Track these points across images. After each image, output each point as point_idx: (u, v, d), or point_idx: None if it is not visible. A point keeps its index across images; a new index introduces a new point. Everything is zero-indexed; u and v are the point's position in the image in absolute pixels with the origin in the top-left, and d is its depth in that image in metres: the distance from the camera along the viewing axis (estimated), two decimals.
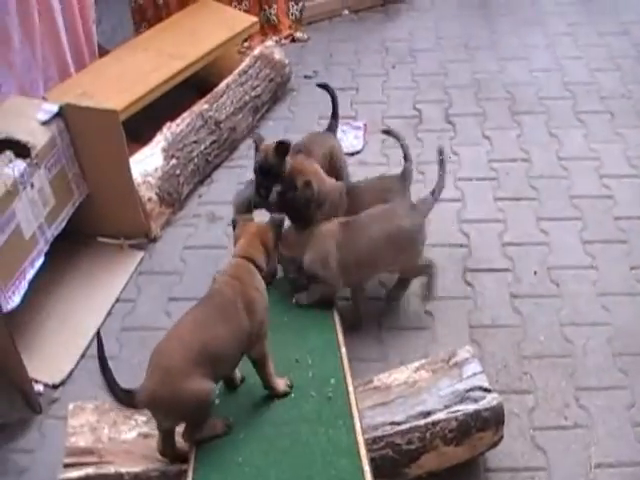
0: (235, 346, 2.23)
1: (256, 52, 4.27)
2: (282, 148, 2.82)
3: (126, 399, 2.16)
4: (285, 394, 2.43)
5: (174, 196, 3.53)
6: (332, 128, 3.35)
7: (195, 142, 3.68)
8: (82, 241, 3.42)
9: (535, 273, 3.18)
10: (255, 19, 4.42)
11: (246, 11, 4.73)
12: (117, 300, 3.20)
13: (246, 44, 4.69)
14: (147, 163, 3.47)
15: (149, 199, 3.39)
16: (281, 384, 2.43)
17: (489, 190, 3.62)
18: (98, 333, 2.46)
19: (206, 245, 3.43)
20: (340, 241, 2.75)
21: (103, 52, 4.23)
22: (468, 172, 3.74)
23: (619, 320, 2.97)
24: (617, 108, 4.15)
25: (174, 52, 4.01)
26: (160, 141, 3.60)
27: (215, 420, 2.30)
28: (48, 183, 3.05)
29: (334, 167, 3.16)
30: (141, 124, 3.68)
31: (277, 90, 4.29)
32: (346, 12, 5.15)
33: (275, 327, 2.81)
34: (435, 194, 2.95)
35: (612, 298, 3.06)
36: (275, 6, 4.85)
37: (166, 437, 2.28)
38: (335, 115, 3.35)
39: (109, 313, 3.15)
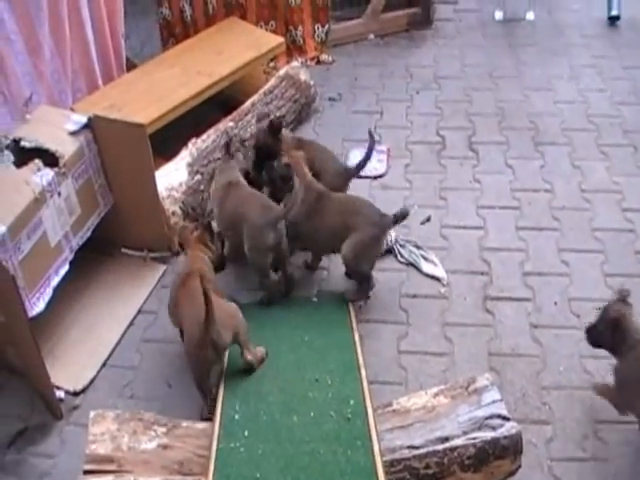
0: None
1: (282, 72, 4.35)
2: (274, 127, 2.98)
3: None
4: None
5: (197, 211, 3.60)
6: (353, 170, 3.47)
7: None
8: (106, 251, 3.50)
9: (556, 304, 3.22)
10: (281, 40, 4.51)
11: (273, 31, 4.83)
12: (139, 311, 3.27)
13: (272, 64, 4.79)
14: (172, 177, 3.55)
15: (173, 213, 3.46)
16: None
17: (511, 219, 3.67)
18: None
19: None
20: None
21: (131, 66, 4.33)
22: (491, 200, 3.80)
23: None
24: None
25: (201, 69, 4.10)
26: (185, 156, 3.67)
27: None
28: (75, 192, 3.13)
29: None
30: (167, 139, 3.75)
31: (302, 111, 4.38)
32: (372, 36, 5.24)
33: (295, 346, 2.91)
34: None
35: None
36: (301, 28, 4.95)
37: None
38: (364, 161, 3.45)
39: (131, 324, 3.22)
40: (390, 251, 3.49)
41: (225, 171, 3.34)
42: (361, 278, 3.22)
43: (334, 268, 3.41)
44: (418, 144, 4.21)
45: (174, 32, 4.64)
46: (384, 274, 3.37)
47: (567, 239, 3.55)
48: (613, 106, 4.52)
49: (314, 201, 3.15)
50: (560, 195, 3.82)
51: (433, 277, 3.37)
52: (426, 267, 3.40)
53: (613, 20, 5.42)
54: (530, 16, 5.53)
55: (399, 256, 3.47)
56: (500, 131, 4.31)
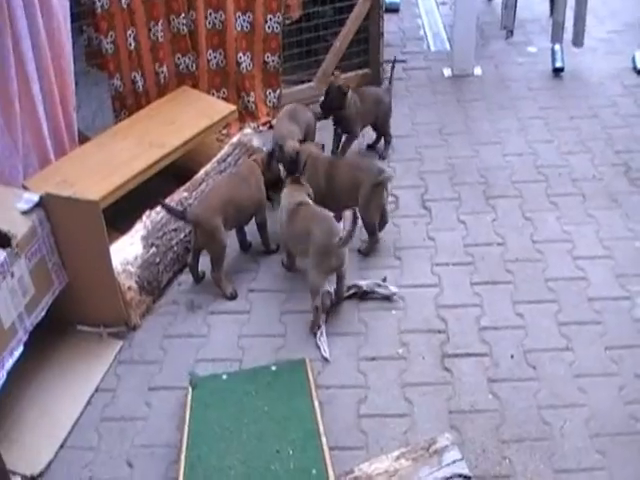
0: (247, 207, 3.82)
1: (234, 140, 4.48)
2: (342, 89, 4.49)
3: (180, 215, 3.71)
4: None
5: (154, 284, 3.69)
6: None
7: (175, 230, 3.86)
8: (61, 329, 3.53)
9: (512, 357, 3.34)
10: (233, 107, 4.66)
11: (224, 98, 5.00)
12: (96, 390, 3.30)
13: (224, 131, 4.94)
14: (127, 252, 3.63)
15: (129, 287, 3.54)
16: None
17: (466, 275, 3.81)
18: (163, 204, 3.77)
19: (186, 334, 3.57)
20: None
21: (83, 139, 4.40)
22: (445, 257, 3.94)
23: (595, 401, 3.12)
24: (589, 190, 4.40)
25: (154, 140, 4.20)
26: (140, 229, 3.76)
27: (230, 284, 3.77)
28: (28, 272, 3.17)
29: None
30: (121, 211, 3.85)
31: None
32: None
33: (257, 417, 2.99)
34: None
35: (588, 379, 3.21)
36: (253, 93, 5.13)
37: (195, 256, 3.77)
38: None
39: (88, 403, 3.24)
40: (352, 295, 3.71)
41: (294, 193, 3.72)
42: (368, 228, 3.94)
43: (291, 334, 3.52)
44: None
45: (126, 103, 4.73)
46: (342, 339, 3.48)
47: (521, 291, 3.70)
48: (561, 156, 4.75)
49: (329, 166, 3.96)
50: (512, 248, 3.98)
51: (385, 291, 3.68)
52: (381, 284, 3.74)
53: (557, 72, 5.72)
54: (478, 71, 5.81)
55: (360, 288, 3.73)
56: (452, 187, 4.49)
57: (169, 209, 3.73)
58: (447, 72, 5.82)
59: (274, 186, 3.98)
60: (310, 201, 3.71)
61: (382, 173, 3.86)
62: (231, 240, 3.91)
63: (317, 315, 3.49)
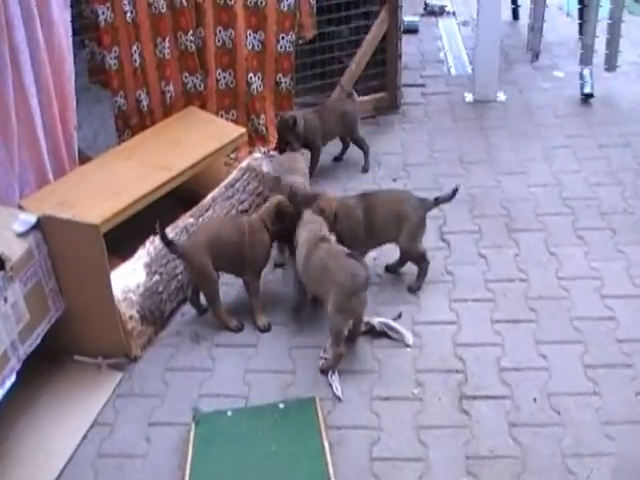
0: (234, 253, 3.77)
1: (244, 164, 4.55)
2: (288, 124, 4.76)
3: (169, 247, 3.71)
4: (262, 329, 3.82)
5: (156, 314, 3.77)
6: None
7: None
8: (57, 359, 3.59)
9: (535, 400, 3.38)
10: (243, 130, 4.76)
11: (234, 121, 5.11)
12: (93, 424, 3.36)
13: (233, 155, 5.02)
14: (129, 279, 3.71)
15: (130, 317, 3.61)
16: (262, 320, 3.84)
17: (486, 312, 3.87)
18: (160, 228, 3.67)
19: (189, 367, 3.64)
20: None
21: (84, 158, 4.47)
22: (464, 293, 4.00)
23: (624, 450, 3.13)
24: (618, 224, 4.45)
25: (159, 162, 4.28)
26: (143, 256, 3.85)
27: (233, 318, 3.84)
28: (23, 297, 3.23)
29: None
30: (123, 236, 3.91)
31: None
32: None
33: (263, 457, 3.04)
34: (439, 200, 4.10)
35: (616, 426, 3.23)
36: (264, 116, 5.24)
37: (194, 290, 3.88)
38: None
39: (84, 437, 3.30)
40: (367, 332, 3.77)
41: (315, 226, 3.75)
42: (418, 258, 4.05)
43: (300, 370, 3.58)
44: None
45: (130, 123, 4.81)
46: (354, 377, 3.54)
47: (544, 330, 3.75)
48: (589, 187, 4.80)
49: (364, 204, 4.03)
50: (536, 284, 4.04)
51: (397, 336, 3.72)
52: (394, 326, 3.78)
53: (587, 98, 5.80)
54: (501, 97, 5.92)
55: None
56: (472, 219, 4.58)
57: (162, 235, 3.70)
58: (468, 97, 5.95)
59: (285, 237, 3.92)
60: (332, 238, 3.75)
61: (425, 201, 4.03)
62: None
63: (337, 361, 3.53)
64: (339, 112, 5.04)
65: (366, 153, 5.14)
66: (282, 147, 4.82)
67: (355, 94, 5.13)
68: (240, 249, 3.79)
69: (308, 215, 3.82)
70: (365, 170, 5.12)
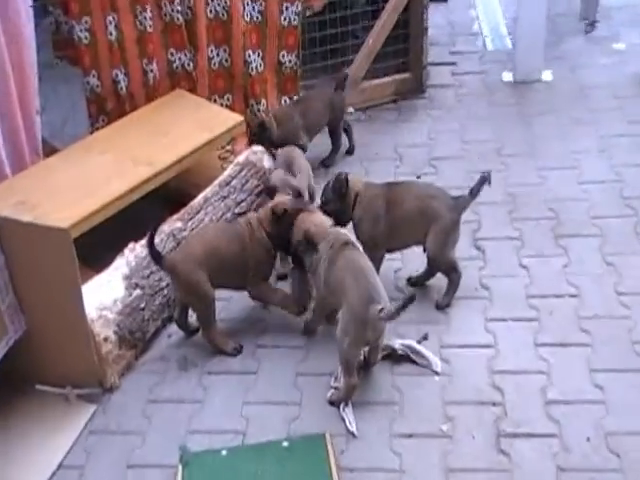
0: (235, 265, 3.83)
1: (241, 158, 4.57)
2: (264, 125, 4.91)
3: (158, 260, 3.72)
4: (300, 312, 3.97)
5: (137, 335, 3.78)
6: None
7: None
8: (17, 389, 3.60)
9: (588, 440, 3.35)
10: (240, 118, 4.74)
11: (229, 107, 5.13)
12: (59, 466, 3.36)
13: (229, 147, 5.04)
14: (104, 294, 3.71)
15: (105, 338, 3.61)
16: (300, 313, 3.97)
17: (528, 333, 3.86)
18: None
19: (176, 398, 3.65)
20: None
21: (49, 149, 4.46)
22: (502, 311, 4.00)
23: None
24: None
25: (139, 156, 4.25)
26: (121, 266, 3.86)
27: (229, 340, 3.87)
28: None
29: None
30: (96, 245, 3.91)
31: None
32: (351, 110, 5.58)
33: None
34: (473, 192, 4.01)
35: None
36: (264, 101, 5.27)
37: (181, 310, 3.90)
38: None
39: None
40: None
41: (337, 228, 3.82)
42: (448, 268, 4.04)
43: (308, 401, 3.59)
44: None
45: (105, 108, 4.80)
46: (371, 409, 3.54)
47: (600, 356, 3.72)
48: None
49: (389, 193, 4.05)
50: (590, 301, 4.03)
51: (423, 361, 3.73)
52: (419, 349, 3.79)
53: None
54: (547, 76, 5.96)
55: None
56: (511, 223, 4.58)
57: (150, 246, 3.70)
58: (507, 77, 5.99)
59: (284, 245, 3.91)
60: (358, 243, 3.77)
61: (459, 200, 4.01)
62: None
63: (350, 393, 3.54)
64: (326, 102, 5.11)
65: (335, 151, 5.29)
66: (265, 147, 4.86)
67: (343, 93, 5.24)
68: (242, 258, 3.82)
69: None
70: (326, 165, 5.23)
